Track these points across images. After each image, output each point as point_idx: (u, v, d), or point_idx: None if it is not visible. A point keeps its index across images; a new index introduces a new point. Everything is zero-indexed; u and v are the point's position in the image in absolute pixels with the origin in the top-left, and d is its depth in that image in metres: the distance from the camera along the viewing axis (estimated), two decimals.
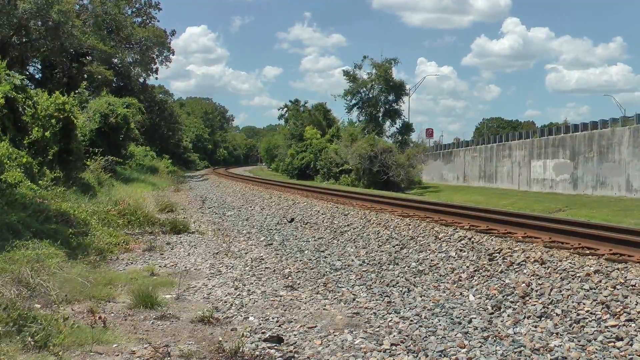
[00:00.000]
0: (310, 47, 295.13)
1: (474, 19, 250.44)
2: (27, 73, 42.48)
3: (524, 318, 7.69)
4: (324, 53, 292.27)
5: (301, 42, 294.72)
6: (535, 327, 7.35)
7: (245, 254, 13.15)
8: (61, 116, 19.62)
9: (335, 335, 7.28)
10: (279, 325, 7.70)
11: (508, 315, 7.86)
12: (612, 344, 6.56)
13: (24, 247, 9.89)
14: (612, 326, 6.91)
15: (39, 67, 46.42)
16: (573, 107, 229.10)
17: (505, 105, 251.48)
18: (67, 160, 20.28)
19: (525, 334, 7.13)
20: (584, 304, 7.55)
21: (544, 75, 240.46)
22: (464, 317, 7.95)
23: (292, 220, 18.77)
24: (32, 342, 6.21)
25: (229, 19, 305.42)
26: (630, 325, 6.81)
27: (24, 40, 39.24)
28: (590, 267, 8.47)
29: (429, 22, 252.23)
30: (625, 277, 7.88)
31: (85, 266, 10.22)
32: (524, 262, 9.42)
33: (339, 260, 12.24)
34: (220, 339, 6.98)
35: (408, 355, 6.54)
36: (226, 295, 9.26)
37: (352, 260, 12.09)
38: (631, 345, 6.45)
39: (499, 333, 7.23)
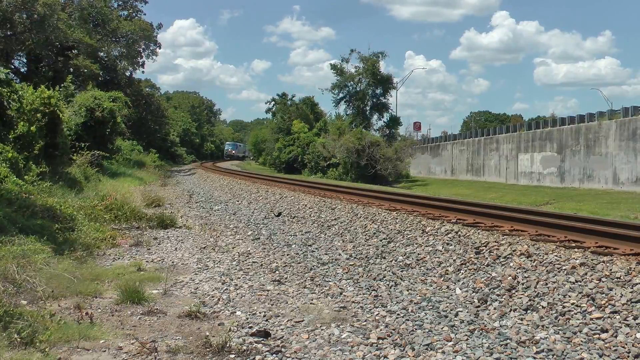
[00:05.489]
0: (299, 41, 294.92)
1: (464, 12, 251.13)
2: (12, 67, 42.10)
3: (510, 311, 7.73)
4: (313, 46, 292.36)
5: (290, 35, 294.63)
6: (521, 319, 7.39)
7: (233, 248, 13.13)
8: (47, 110, 19.51)
9: (322, 330, 7.28)
10: (266, 320, 7.70)
11: (494, 309, 7.90)
12: (597, 335, 6.60)
13: (9, 242, 9.83)
14: (597, 318, 6.95)
15: (24, 60, 46.06)
16: (561, 101, 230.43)
17: (493, 99, 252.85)
18: (53, 155, 20.19)
19: (511, 327, 7.17)
20: (569, 296, 7.59)
21: (533, 69, 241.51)
22: (451, 310, 7.98)
23: (280, 214, 18.76)
24: (18, 339, 6.17)
25: (218, 12, 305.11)
26: (615, 317, 6.86)
27: (8, 33, 38.90)
28: (576, 259, 8.52)
29: (418, 15, 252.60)
30: (611, 270, 7.93)
31: (71, 262, 10.16)
32: (510, 256, 9.47)
33: (326, 254, 12.25)
34: (208, 333, 6.98)
35: (395, 349, 6.55)
36: (213, 290, 9.24)
37: (339, 254, 12.10)
38: (616, 337, 6.49)
39: (485, 326, 7.27)
